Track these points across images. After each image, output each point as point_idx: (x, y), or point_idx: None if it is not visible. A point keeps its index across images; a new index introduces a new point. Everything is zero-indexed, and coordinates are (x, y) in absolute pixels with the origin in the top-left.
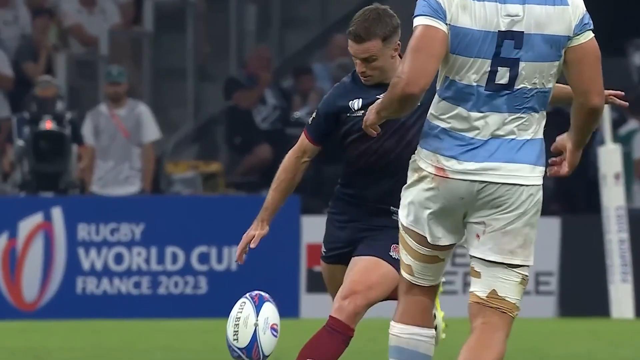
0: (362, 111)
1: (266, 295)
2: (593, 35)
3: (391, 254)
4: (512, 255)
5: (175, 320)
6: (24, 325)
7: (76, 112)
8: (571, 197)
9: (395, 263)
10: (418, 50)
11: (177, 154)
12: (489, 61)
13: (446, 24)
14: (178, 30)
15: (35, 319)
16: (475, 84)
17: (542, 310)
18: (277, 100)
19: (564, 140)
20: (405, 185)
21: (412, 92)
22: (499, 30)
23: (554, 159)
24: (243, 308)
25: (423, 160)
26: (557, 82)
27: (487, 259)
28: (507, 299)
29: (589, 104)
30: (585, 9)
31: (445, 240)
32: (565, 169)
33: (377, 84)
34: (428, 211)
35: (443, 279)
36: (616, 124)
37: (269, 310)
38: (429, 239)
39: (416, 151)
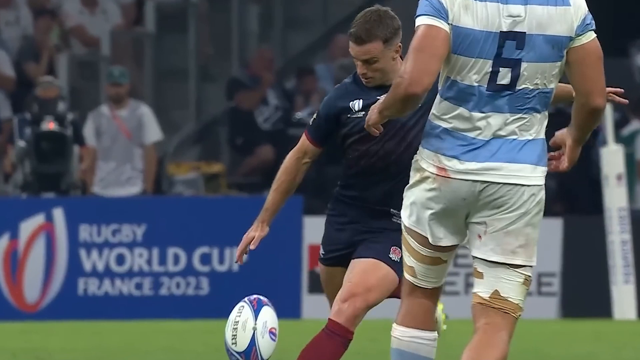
0: (363, 112)
1: (265, 299)
2: (595, 35)
3: (391, 256)
4: (514, 255)
5: (176, 321)
6: (25, 326)
7: (78, 112)
8: (573, 197)
9: (395, 265)
10: (420, 50)
11: (179, 155)
12: (491, 62)
13: (448, 23)
14: (180, 30)
15: (37, 320)
16: (476, 84)
17: (544, 311)
18: (280, 101)
19: (564, 136)
20: (407, 186)
21: (415, 91)
22: (500, 31)
23: (552, 153)
24: (241, 312)
25: (425, 161)
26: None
27: (489, 259)
28: (509, 299)
29: (591, 105)
30: (587, 9)
31: (446, 241)
32: (564, 164)
33: (378, 86)
34: (430, 211)
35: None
36: (619, 124)
37: (268, 314)
38: (430, 240)
39: (418, 151)
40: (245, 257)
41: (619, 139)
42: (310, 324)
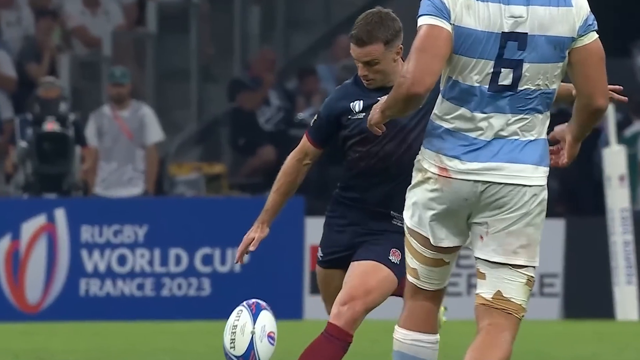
0: (363, 114)
1: (263, 303)
2: (597, 36)
3: (390, 258)
4: (515, 255)
5: (178, 322)
6: (26, 327)
7: (79, 113)
8: (576, 198)
9: (394, 267)
10: (423, 50)
11: (180, 156)
12: (492, 62)
13: (450, 23)
14: (182, 31)
15: (38, 321)
16: (477, 84)
17: (546, 312)
18: (281, 102)
19: (564, 132)
20: (410, 186)
21: (417, 91)
22: (502, 32)
23: (551, 147)
24: (240, 316)
25: (427, 161)
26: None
27: (491, 260)
28: (512, 300)
29: (593, 105)
30: (589, 9)
31: (448, 242)
32: (564, 159)
33: (379, 88)
34: (431, 212)
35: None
36: (621, 125)
37: (266, 319)
38: (431, 240)
39: (420, 151)
40: (245, 257)
41: (621, 139)
42: (312, 324)
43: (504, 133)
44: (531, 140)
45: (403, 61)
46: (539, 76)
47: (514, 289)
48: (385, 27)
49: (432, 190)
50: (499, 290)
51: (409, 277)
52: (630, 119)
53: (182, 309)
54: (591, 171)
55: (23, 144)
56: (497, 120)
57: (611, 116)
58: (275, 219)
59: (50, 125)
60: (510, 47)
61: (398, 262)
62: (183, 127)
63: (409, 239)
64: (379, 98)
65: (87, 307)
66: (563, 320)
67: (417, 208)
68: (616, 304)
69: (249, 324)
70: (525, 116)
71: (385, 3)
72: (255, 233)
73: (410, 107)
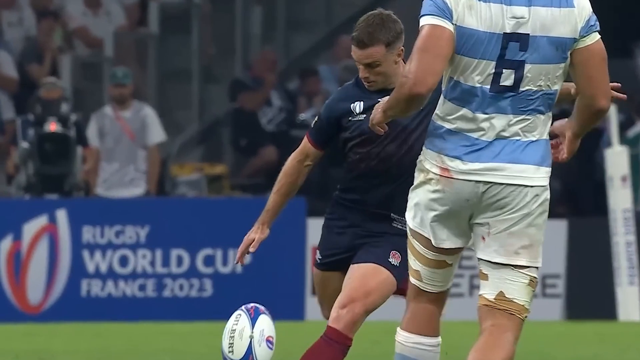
0: (364, 115)
1: (262, 307)
2: (599, 37)
3: (390, 260)
4: (517, 256)
5: (180, 323)
6: (28, 327)
7: (81, 114)
8: (578, 199)
9: (394, 270)
10: (425, 50)
11: (182, 156)
12: (494, 63)
13: (452, 23)
14: (183, 31)
15: (40, 322)
16: (479, 85)
17: (548, 313)
18: (283, 102)
19: (563, 127)
20: (412, 187)
21: (419, 91)
22: (504, 32)
23: (550, 142)
24: (238, 320)
25: (428, 161)
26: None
27: (493, 260)
28: (515, 300)
29: (595, 106)
30: (591, 10)
31: (449, 243)
32: (564, 154)
33: (380, 90)
34: (433, 213)
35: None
36: (623, 126)
37: (265, 323)
38: (432, 242)
39: (422, 152)
40: (246, 258)
41: (623, 140)
42: (314, 325)
43: (505, 134)
44: (533, 141)
45: (404, 63)
46: (541, 77)
47: (517, 289)
48: (386, 29)
49: (434, 191)
50: (501, 291)
51: (412, 279)
52: (632, 120)
53: (183, 309)
54: (593, 172)
55: (25, 144)
56: (499, 121)
57: (613, 117)
58: (277, 220)
59: (52, 126)
60: (512, 47)
61: (398, 265)
62: (185, 127)
63: (411, 240)
64: (379, 100)
65: (88, 308)
66: (565, 321)
67: (419, 209)
68: (618, 304)
69: (248, 328)
70: (527, 117)
71: (387, 4)
72: (256, 234)
73: (412, 107)
